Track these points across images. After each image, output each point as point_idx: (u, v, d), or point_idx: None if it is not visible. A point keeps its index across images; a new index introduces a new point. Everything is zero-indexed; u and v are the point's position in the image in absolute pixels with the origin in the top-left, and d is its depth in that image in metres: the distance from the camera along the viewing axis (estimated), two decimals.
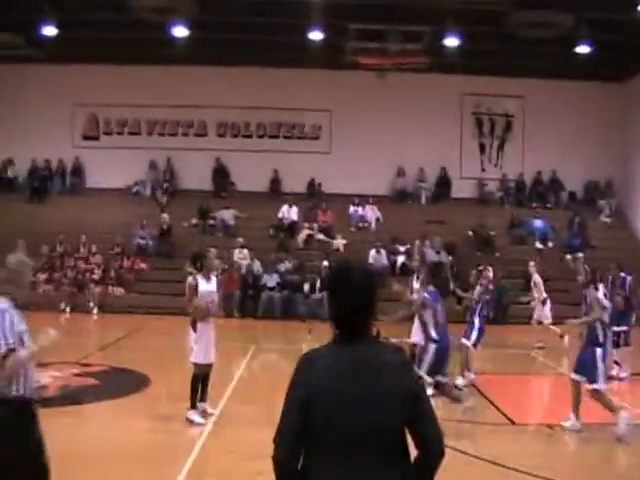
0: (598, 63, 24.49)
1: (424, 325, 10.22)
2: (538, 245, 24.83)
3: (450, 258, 22.85)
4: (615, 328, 13.44)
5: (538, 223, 25.48)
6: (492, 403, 11.55)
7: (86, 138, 27.84)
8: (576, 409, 9.91)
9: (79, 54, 25.03)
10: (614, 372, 13.64)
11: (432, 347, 10.02)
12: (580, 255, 21.18)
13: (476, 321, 12.74)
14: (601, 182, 27.57)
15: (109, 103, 26.93)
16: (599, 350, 9.66)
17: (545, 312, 17.56)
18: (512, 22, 21.14)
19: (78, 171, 27.71)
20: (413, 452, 3.41)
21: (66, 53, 24.84)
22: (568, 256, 22.46)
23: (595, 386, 9.57)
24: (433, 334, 10.03)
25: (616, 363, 13.79)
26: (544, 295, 17.74)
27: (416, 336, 11.23)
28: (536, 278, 18.03)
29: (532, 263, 18.79)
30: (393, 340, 7.43)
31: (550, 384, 12.27)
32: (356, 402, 3.32)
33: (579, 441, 9.88)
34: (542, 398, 12.19)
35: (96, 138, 27.86)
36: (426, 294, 10.23)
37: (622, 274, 14.10)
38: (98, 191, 26.48)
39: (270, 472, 3.38)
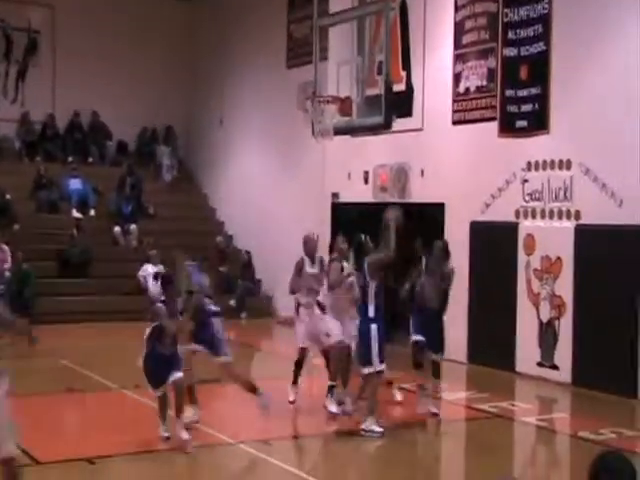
0: None
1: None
2: (76, 214, 21.38)
3: None
4: None
5: (75, 183, 22.12)
6: None
7: None
8: None
9: None
10: None
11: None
12: (134, 227, 21.17)
13: None
14: (160, 129, 24.40)
15: None
16: None
17: None
18: None
19: None
20: None
21: None
22: (117, 228, 21.38)
23: None
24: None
25: None
26: None
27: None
28: None
29: None
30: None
31: None
32: None
33: None
34: None
35: None
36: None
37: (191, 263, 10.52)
38: None
39: None
